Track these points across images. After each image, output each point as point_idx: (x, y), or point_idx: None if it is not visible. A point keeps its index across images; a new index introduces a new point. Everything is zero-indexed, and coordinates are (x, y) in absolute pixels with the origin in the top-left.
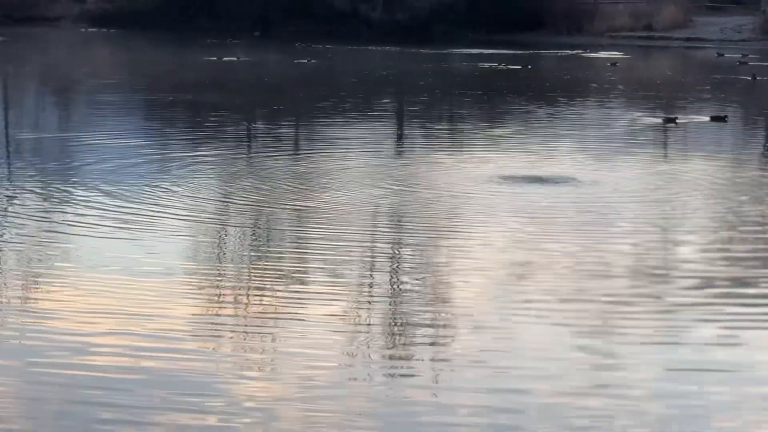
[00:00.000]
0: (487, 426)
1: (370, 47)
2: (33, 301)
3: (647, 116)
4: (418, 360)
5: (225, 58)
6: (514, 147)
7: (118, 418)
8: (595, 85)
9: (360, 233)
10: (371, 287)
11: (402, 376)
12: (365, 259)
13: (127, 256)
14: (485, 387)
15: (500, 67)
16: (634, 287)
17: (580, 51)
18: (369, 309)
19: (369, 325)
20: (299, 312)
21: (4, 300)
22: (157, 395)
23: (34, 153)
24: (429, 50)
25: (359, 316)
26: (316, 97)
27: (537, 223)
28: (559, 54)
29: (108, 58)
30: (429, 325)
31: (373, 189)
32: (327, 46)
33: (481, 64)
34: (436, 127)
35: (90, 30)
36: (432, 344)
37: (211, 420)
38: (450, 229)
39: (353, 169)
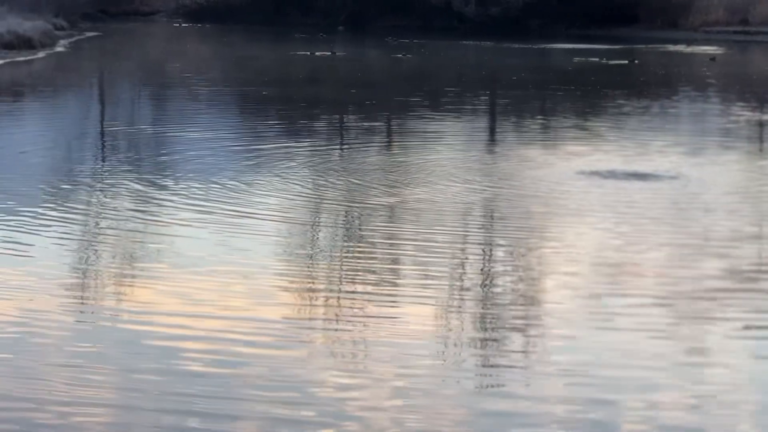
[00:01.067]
0: (581, 423)
1: (464, 42)
2: (128, 297)
3: (744, 111)
4: (509, 366)
5: (318, 53)
6: (609, 142)
7: (211, 409)
8: (692, 79)
9: (451, 231)
10: (462, 288)
11: (493, 383)
12: (456, 258)
13: (219, 253)
14: (578, 396)
15: (601, 62)
16: (733, 289)
17: (677, 45)
18: (460, 311)
19: (460, 328)
20: (390, 313)
21: (99, 296)
22: (250, 394)
23: (129, 147)
24: (523, 45)
25: (450, 319)
26: (410, 91)
27: (632, 221)
28: (657, 48)
29: (202, 53)
30: (521, 329)
31: (465, 184)
32: (415, 41)
33: (576, 59)
34: (530, 122)
35: (184, 25)
36: (524, 350)
37: (304, 419)
38: (543, 228)
39: (445, 164)
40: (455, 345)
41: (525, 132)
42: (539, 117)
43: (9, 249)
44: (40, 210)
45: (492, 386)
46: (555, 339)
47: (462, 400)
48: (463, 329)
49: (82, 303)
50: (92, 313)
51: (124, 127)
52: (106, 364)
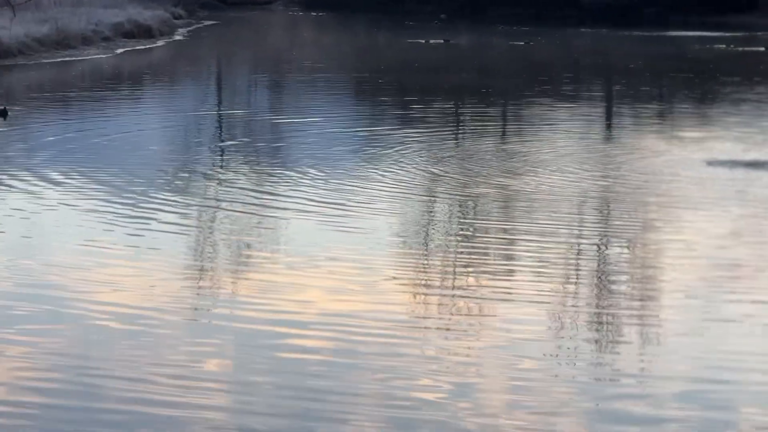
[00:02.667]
0: (697, 423)
1: (579, 29)
2: (244, 283)
3: None
4: (624, 364)
5: (432, 41)
6: (726, 130)
7: (324, 406)
8: None
9: (566, 220)
10: (577, 283)
11: (607, 381)
12: (571, 249)
13: (333, 243)
14: (695, 397)
15: (726, 48)
16: None
17: None
18: (574, 306)
19: (574, 324)
20: (504, 306)
21: (215, 282)
22: (365, 389)
23: (246, 134)
24: (640, 32)
25: (564, 314)
26: (526, 79)
27: (752, 212)
28: None
29: (318, 41)
30: (637, 326)
31: (581, 173)
32: (528, 28)
33: (696, 46)
34: (647, 109)
35: (301, 13)
36: (640, 348)
37: (418, 415)
38: (659, 219)
39: (561, 153)
40: (570, 340)
41: (642, 120)
42: (656, 104)
43: (127, 236)
44: (157, 197)
45: (606, 384)
46: (672, 337)
47: (576, 399)
48: (577, 325)
49: (198, 292)
50: (208, 302)
51: (241, 114)
52: (224, 348)
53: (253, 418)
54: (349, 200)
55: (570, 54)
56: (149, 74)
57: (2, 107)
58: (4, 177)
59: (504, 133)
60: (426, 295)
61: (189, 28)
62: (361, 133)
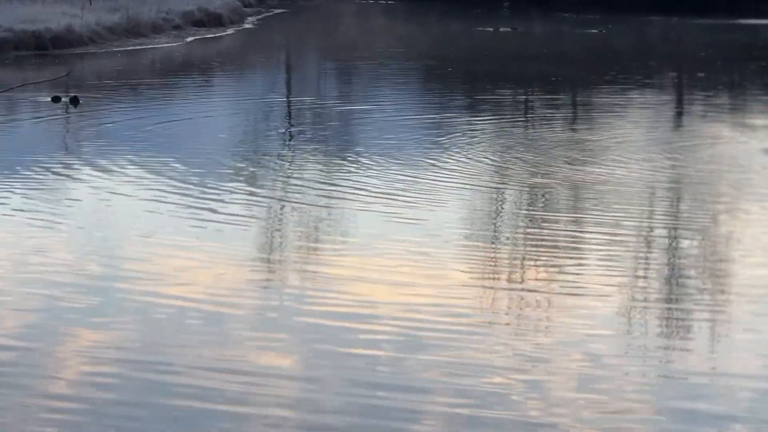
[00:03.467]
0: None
1: (649, 17)
2: (309, 275)
3: None
4: (694, 360)
5: (501, 29)
6: None
7: (393, 403)
8: None
9: (635, 211)
10: (646, 273)
11: (677, 377)
12: (640, 239)
13: (400, 230)
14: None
15: None
16: None
17: None
18: (644, 299)
19: (644, 318)
20: (573, 299)
21: (281, 273)
22: (432, 378)
23: (315, 122)
24: (711, 20)
25: (634, 308)
26: (596, 67)
27: None
28: None
29: (387, 29)
30: (707, 321)
31: (650, 162)
32: (595, 16)
33: (766, 34)
34: (717, 98)
35: (371, 1)
36: (710, 344)
37: (486, 408)
38: (730, 210)
39: (630, 141)
40: (639, 337)
41: (712, 108)
42: (727, 93)
43: (192, 225)
44: (225, 185)
45: (676, 380)
46: (742, 333)
47: (646, 397)
48: (647, 321)
49: (263, 284)
50: (274, 294)
51: (310, 102)
52: (290, 342)
53: (320, 415)
54: (415, 189)
55: (640, 42)
56: (219, 62)
57: (73, 95)
58: (75, 164)
59: (573, 122)
60: (494, 288)
61: (258, 17)
62: (429, 122)
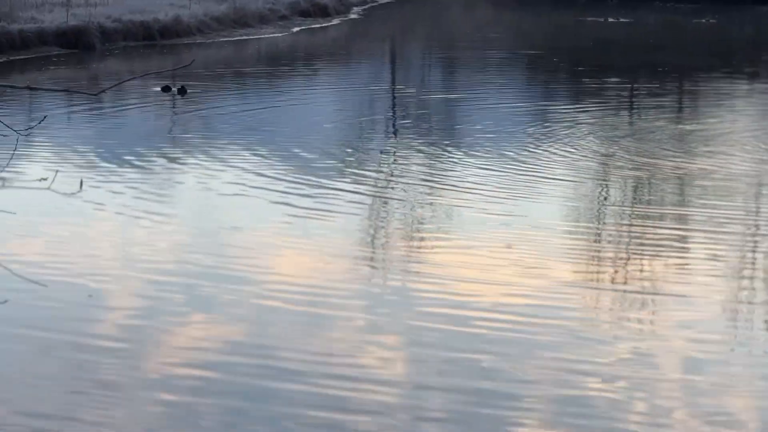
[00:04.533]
0: None
1: (756, 6)
2: (415, 266)
3: None
4: None
5: (610, 19)
6: None
7: (497, 388)
8: None
9: (742, 207)
10: (753, 274)
11: None
12: (746, 237)
13: (504, 221)
14: None
15: None
16: None
17: None
18: (749, 293)
19: (750, 313)
20: (678, 290)
21: (387, 263)
22: (535, 365)
23: (419, 112)
24: None
25: (738, 302)
26: (704, 57)
27: None
28: None
29: (492, 19)
30: None
31: (758, 155)
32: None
33: None
34: None
35: None
36: None
37: (590, 407)
38: None
39: (738, 133)
40: (746, 341)
41: None
42: None
43: (301, 215)
44: (330, 175)
45: None
46: None
47: (750, 385)
48: (753, 324)
49: (372, 267)
50: (381, 276)
51: (415, 93)
52: (394, 327)
53: (422, 423)
54: (519, 180)
55: (749, 32)
56: (324, 52)
57: (181, 85)
58: (181, 154)
59: (679, 112)
60: (598, 288)
61: (364, 7)
62: (534, 112)
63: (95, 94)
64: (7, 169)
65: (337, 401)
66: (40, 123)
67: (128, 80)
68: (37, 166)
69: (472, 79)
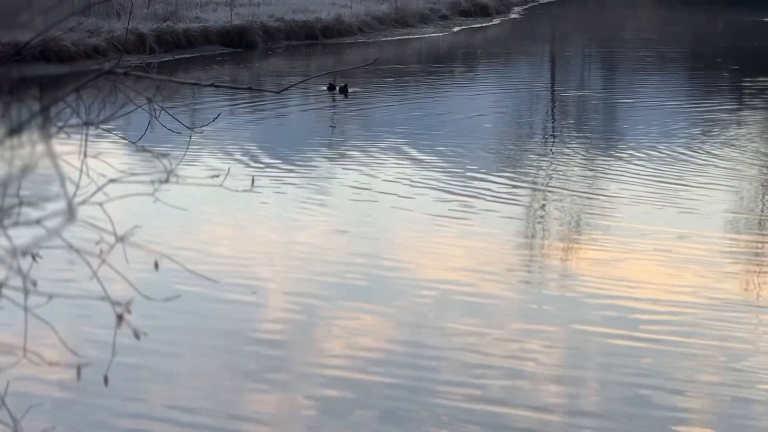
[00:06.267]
0: None
1: None
2: (573, 264)
3: None
4: None
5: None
6: None
7: (658, 385)
8: None
9: None
10: None
11: None
12: None
13: (665, 221)
14: None
15: None
16: None
17: None
18: None
19: None
20: None
21: (545, 262)
22: (696, 371)
23: (578, 113)
24: None
25: None
26: None
27: None
28: None
29: (653, 20)
30: None
31: None
32: None
33: None
34: None
35: None
36: None
37: (754, 410)
38: None
39: None
40: None
41: None
42: None
43: (463, 213)
44: (489, 174)
45: None
46: None
47: None
48: None
49: (527, 273)
50: (537, 284)
51: (574, 93)
52: (552, 324)
53: (580, 418)
54: (679, 182)
55: None
56: (484, 52)
57: (344, 83)
58: (344, 154)
59: None
60: (759, 281)
61: (524, 6)
62: (696, 112)
63: (277, 92)
64: (180, 165)
65: (494, 397)
66: (214, 120)
67: (311, 78)
68: (207, 163)
69: (633, 79)
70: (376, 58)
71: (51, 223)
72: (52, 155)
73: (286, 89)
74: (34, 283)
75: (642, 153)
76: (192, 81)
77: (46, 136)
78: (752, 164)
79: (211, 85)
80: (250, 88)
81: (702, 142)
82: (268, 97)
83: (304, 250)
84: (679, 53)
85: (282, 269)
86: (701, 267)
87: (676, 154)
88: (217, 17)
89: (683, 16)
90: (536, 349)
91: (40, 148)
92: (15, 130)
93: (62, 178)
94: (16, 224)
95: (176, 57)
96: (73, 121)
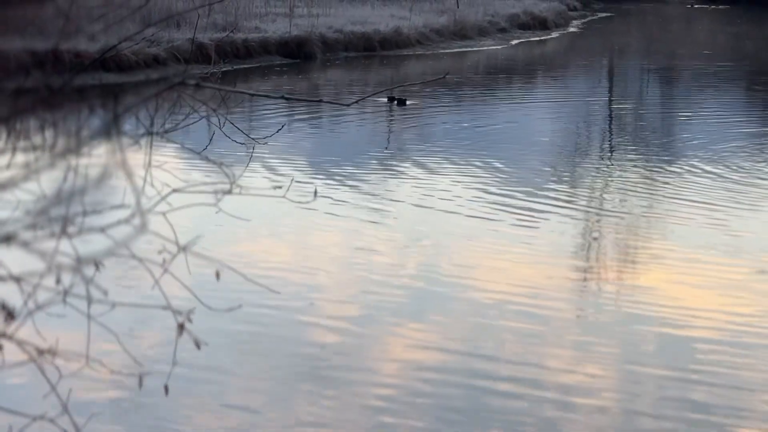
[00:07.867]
0: None
1: None
2: (627, 280)
3: None
4: None
5: None
6: None
7: (714, 401)
8: None
9: None
10: None
11: None
12: None
13: (716, 239)
14: None
15: None
16: None
17: None
18: None
19: None
20: None
21: (599, 277)
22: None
23: (636, 128)
24: None
25: None
26: None
27: None
28: None
29: (711, 35)
30: None
31: None
32: None
33: None
34: None
35: (696, 6)
36: None
37: None
38: None
39: None
40: None
41: None
42: None
43: (519, 226)
44: (548, 188)
45: None
46: None
47: None
48: None
49: (584, 282)
50: (596, 291)
51: (632, 108)
52: (609, 341)
53: (641, 419)
54: (737, 199)
55: None
56: (542, 65)
57: (401, 96)
58: (402, 166)
59: None
60: None
61: (583, 20)
62: (755, 129)
63: (348, 105)
64: (242, 176)
65: (549, 411)
66: (278, 131)
67: (380, 92)
68: (268, 174)
69: (691, 95)
70: (446, 72)
71: (116, 232)
72: (125, 166)
73: (357, 102)
74: (105, 292)
75: (699, 168)
76: (263, 93)
77: (119, 146)
78: None
79: (282, 97)
80: (321, 101)
81: (757, 160)
82: (326, 108)
83: (363, 262)
84: (736, 68)
85: (341, 280)
86: (759, 295)
87: (734, 169)
88: (276, 28)
89: (743, 31)
90: (592, 363)
91: (111, 157)
92: (89, 139)
93: (137, 190)
94: (80, 232)
95: (235, 67)
96: (139, 130)
